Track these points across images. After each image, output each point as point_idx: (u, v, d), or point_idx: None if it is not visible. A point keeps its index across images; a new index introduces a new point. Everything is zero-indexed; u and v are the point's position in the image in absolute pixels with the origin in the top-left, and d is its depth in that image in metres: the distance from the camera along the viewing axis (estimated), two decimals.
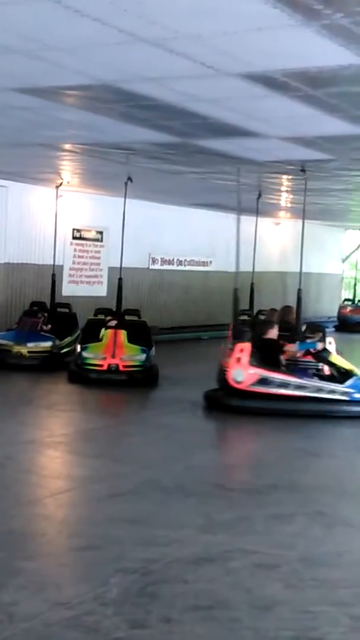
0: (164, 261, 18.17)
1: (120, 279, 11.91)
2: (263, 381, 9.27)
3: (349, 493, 6.37)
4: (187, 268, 18.94)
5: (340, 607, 4.04)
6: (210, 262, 19.58)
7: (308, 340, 10.22)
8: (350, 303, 23.40)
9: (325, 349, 9.98)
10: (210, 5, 3.93)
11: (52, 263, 14.20)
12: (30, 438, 7.65)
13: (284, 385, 9.32)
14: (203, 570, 4.46)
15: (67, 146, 9.48)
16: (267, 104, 6.36)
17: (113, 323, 11.56)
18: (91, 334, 11.47)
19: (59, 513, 5.58)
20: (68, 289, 15.56)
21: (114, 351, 10.93)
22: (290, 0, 3.75)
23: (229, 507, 5.71)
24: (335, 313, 22.56)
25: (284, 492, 6.23)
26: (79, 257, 15.87)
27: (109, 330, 11.32)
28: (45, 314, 12.76)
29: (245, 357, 9.29)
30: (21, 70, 5.59)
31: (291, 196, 15.00)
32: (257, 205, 14.06)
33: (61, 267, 15.37)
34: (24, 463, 6.82)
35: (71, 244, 15.65)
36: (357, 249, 25.52)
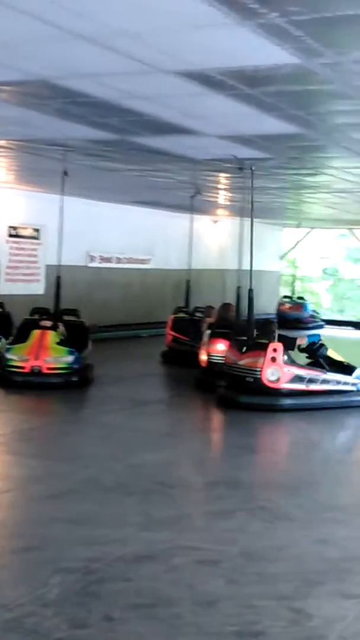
0: (102, 259, 18.08)
1: (58, 278, 11.74)
2: (297, 379, 9.65)
3: (291, 487, 6.45)
4: (126, 266, 18.89)
5: (281, 600, 4.08)
6: (149, 259, 19.58)
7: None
8: (288, 300, 23.69)
9: (322, 344, 10.42)
10: (147, 2, 3.92)
11: None
12: None
13: (314, 380, 9.78)
14: (145, 568, 4.45)
15: (2, 142, 9.35)
16: (204, 102, 6.38)
17: (47, 323, 11.13)
18: (25, 335, 11.02)
19: None
20: (5, 287, 15.35)
21: (38, 352, 10.45)
22: None
23: (169, 505, 5.72)
24: (273, 310, 22.82)
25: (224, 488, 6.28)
26: (16, 254, 15.67)
27: (36, 331, 10.88)
28: None
29: (280, 356, 9.53)
30: None
31: (229, 194, 15.10)
32: (191, 203, 14.12)
33: None
34: None
35: (7, 241, 15.44)
36: (294, 246, 25.86)
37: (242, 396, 9.51)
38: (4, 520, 5.40)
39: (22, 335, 11.04)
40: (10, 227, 15.50)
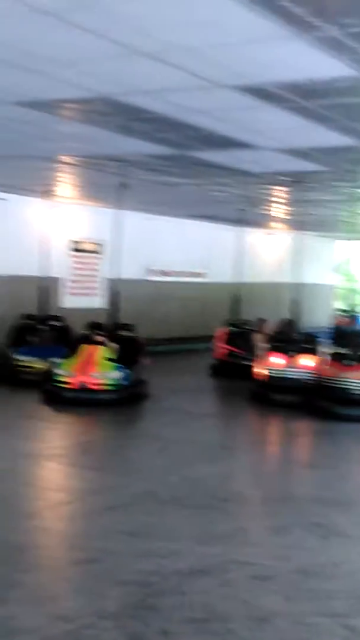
0: (161, 273, 18.19)
1: (114, 293, 11.67)
2: None
3: (348, 504, 6.36)
4: (184, 279, 18.96)
5: (336, 618, 4.03)
6: (207, 273, 19.62)
7: None
8: (343, 313, 23.37)
9: None
10: (204, 17, 3.96)
11: (51, 275, 14.22)
12: (28, 451, 7.63)
13: None
14: (199, 582, 4.45)
15: (65, 158, 9.52)
16: (260, 116, 6.39)
17: (99, 338, 10.93)
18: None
19: (58, 525, 5.57)
20: (66, 301, 15.57)
21: (85, 368, 10.29)
22: (284, 12, 3.78)
23: (225, 519, 5.70)
24: (327, 324, 22.57)
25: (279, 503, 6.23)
26: (77, 268, 15.90)
27: (85, 346, 10.73)
28: (43, 327, 12.61)
29: None
30: (20, 84, 5.62)
31: (283, 207, 15.04)
32: (241, 216, 14.10)
33: (60, 279, 15.39)
34: (23, 475, 6.81)
35: (70, 256, 15.68)
36: (348, 259, 25.58)
37: (342, 408, 9.71)
38: (64, 532, 5.47)
39: (76, 350, 10.90)
40: (73, 241, 15.73)
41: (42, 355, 11.24)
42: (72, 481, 6.86)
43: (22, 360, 11.57)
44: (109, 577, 4.45)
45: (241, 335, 13.73)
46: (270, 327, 13.04)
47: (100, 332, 11.25)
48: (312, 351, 11.05)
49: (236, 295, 14.60)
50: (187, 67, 4.95)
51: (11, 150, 8.90)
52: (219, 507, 6.00)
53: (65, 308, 15.18)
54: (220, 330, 14.11)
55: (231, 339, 13.77)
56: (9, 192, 13.68)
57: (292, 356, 10.79)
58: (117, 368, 10.40)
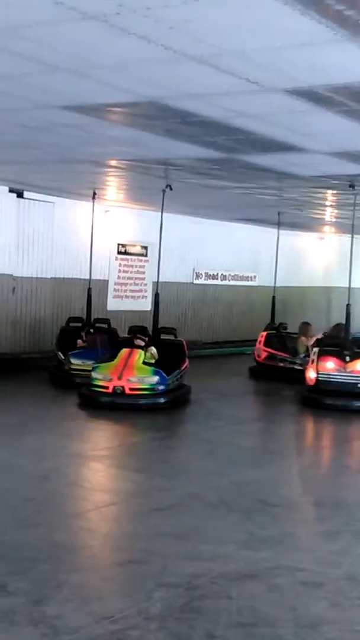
0: (208, 276, 18.19)
1: (156, 295, 11.63)
2: None
3: None
4: (231, 283, 18.94)
5: None
6: (254, 277, 19.56)
7: None
8: None
9: None
10: (254, 21, 3.95)
11: (99, 278, 14.34)
12: (74, 451, 7.70)
13: None
14: (247, 586, 4.43)
15: (113, 162, 9.58)
16: (311, 119, 6.35)
17: (139, 342, 10.75)
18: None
19: (104, 526, 5.60)
20: (113, 304, 15.68)
21: (122, 372, 10.04)
22: (336, 15, 3.75)
23: (273, 523, 5.67)
24: None
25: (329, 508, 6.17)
26: (124, 271, 15.99)
27: (124, 350, 10.54)
28: (91, 330, 12.66)
29: None
30: (68, 89, 5.68)
31: (336, 211, 14.91)
32: (278, 219, 14.05)
33: (106, 282, 15.51)
34: (69, 476, 6.87)
35: (116, 258, 15.79)
36: None
37: None
38: (110, 533, 5.50)
39: (116, 354, 10.74)
40: (120, 244, 15.83)
41: (95, 358, 11.18)
42: (117, 483, 6.90)
43: (76, 364, 11.57)
44: (155, 578, 4.46)
45: (281, 338, 13.82)
46: (313, 331, 13.04)
47: (141, 336, 11.05)
48: None
49: (273, 298, 14.52)
50: (238, 72, 4.94)
51: (59, 154, 8.99)
52: (267, 512, 5.97)
53: (112, 311, 15.31)
54: (263, 334, 14.06)
55: (276, 342, 13.76)
56: (56, 196, 13.83)
57: (347, 361, 10.72)
58: (156, 372, 10.19)
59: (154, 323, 11.53)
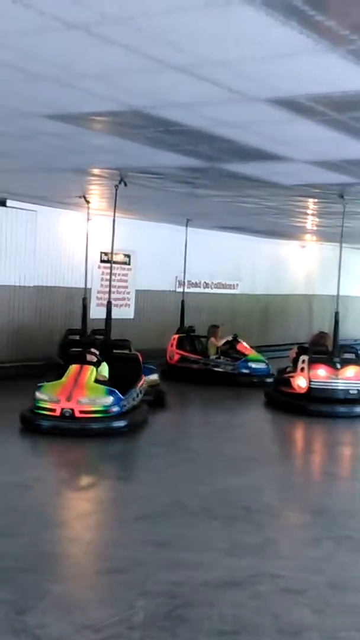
0: (190, 284, 18.21)
1: (109, 304, 10.90)
2: None
3: None
4: (214, 291, 18.98)
5: None
6: (237, 284, 19.62)
7: None
8: None
9: None
10: (236, 31, 3.98)
11: (81, 286, 14.28)
12: (56, 460, 7.67)
13: None
14: (229, 594, 4.44)
15: (96, 171, 9.59)
16: (293, 129, 6.40)
17: (92, 358, 9.54)
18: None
19: (86, 535, 5.59)
20: (96, 312, 15.65)
21: (71, 392, 8.81)
22: (317, 26, 3.79)
23: (254, 531, 5.68)
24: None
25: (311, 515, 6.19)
26: (107, 280, 15.95)
27: (73, 366, 9.28)
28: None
29: None
30: (51, 97, 5.69)
31: (317, 219, 15.00)
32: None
33: (89, 290, 15.48)
34: (51, 485, 6.84)
35: (99, 267, 15.77)
36: None
37: None
38: (92, 541, 5.49)
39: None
40: (102, 252, 15.82)
41: None
42: (100, 491, 6.88)
43: None
44: (137, 587, 4.45)
45: (191, 341, 14.17)
46: (221, 332, 13.74)
47: (94, 350, 9.80)
48: (354, 362, 11.18)
49: (182, 303, 14.57)
50: (219, 81, 4.97)
51: (41, 162, 8.99)
52: (249, 519, 5.97)
53: (94, 318, 15.28)
54: (173, 336, 14.22)
55: (183, 344, 13.99)
56: (39, 204, 13.81)
57: (338, 368, 10.85)
58: (108, 392, 9.02)
59: (106, 335, 10.62)
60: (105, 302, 15.74)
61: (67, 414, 8.67)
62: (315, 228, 16.89)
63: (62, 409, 8.69)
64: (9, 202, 13.51)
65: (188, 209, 13.64)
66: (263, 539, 5.49)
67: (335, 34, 3.89)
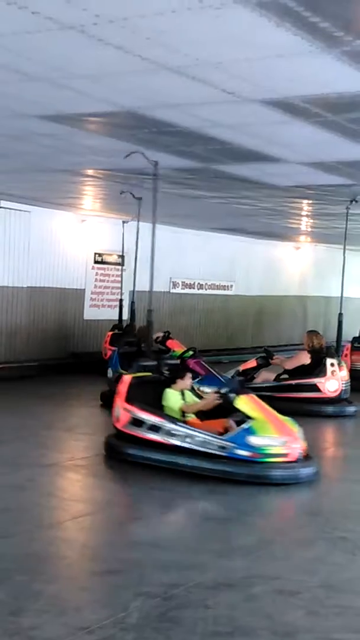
0: (185, 285, 18.23)
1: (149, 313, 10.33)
2: None
3: None
4: (208, 292, 19.00)
5: None
6: (231, 286, 19.64)
7: None
8: None
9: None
10: (230, 32, 3.99)
11: (75, 287, 14.31)
12: (51, 461, 7.66)
13: None
14: (223, 595, 4.43)
15: (90, 172, 9.59)
16: (287, 130, 6.41)
17: (189, 380, 7.93)
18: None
19: (80, 536, 5.58)
20: (89, 313, 15.67)
21: (285, 429, 7.26)
22: (312, 27, 3.80)
23: (249, 532, 5.68)
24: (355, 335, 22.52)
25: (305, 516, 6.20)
26: (101, 280, 15.98)
27: (248, 396, 7.53)
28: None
29: None
30: (45, 98, 5.68)
31: (311, 221, 15.03)
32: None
33: (83, 291, 15.49)
34: (45, 486, 6.83)
35: (93, 268, 15.77)
36: None
37: None
38: (86, 542, 5.47)
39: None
40: (96, 253, 15.83)
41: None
42: (94, 492, 6.87)
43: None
44: (131, 588, 4.44)
45: (121, 337, 13.70)
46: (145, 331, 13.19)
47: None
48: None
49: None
50: (214, 82, 4.98)
51: (35, 163, 8.98)
52: (243, 521, 5.97)
53: (88, 319, 15.34)
54: (108, 333, 14.13)
55: (114, 340, 13.69)
56: (33, 205, 13.80)
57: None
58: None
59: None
60: (99, 303, 15.95)
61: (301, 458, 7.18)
62: (309, 229, 16.93)
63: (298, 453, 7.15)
64: (2, 203, 13.50)
65: (183, 210, 13.64)
66: (257, 540, 5.49)
67: (329, 35, 3.89)
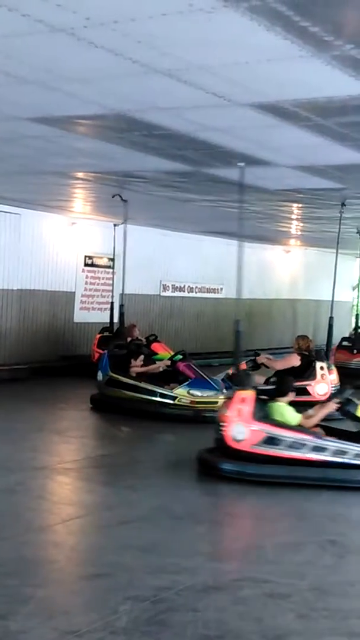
0: (175, 288, 18.23)
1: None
2: None
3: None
4: (198, 295, 19.02)
5: (352, 637, 4.01)
6: (221, 289, 19.66)
7: None
8: None
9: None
10: (221, 36, 3.99)
11: (65, 290, 14.27)
12: (41, 464, 7.64)
13: None
14: (213, 598, 4.43)
15: (80, 174, 9.58)
16: (277, 134, 6.42)
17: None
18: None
19: (70, 540, 5.56)
20: (79, 316, 15.65)
21: None
22: (302, 31, 3.81)
23: (238, 535, 5.68)
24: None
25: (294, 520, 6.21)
26: (91, 283, 15.97)
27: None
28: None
29: None
30: (35, 101, 5.68)
31: (301, 224, 15.06)
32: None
33: (73, 293, 15.47)
34: (35, 489, 6.81)
35: (83, 270, 15.76)
36: None
37: None
38: (75, 546, 5.46)
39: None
40: (87, 256, 15.82)
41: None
42: (84, 495, 6.85)
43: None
44: (121, 592, 4.44)
45: (109, 340, 13.60)
46: (136, 332, 13.19)
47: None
48: None
49: (111, 304, 14.39)
50: (204, 85, 4.98)
51: (25, 166, 8.97)
52: (232, 524, 5.97)
53: (78, 322, 15.32)
54: (96, 336, 14.18)
55: (103, 342, 13.71)
56: (23, 207, 13.78)
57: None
58: None
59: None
60: (89, 306, 15.93)
61: None
62: (300, 233, 16.97)
63: None
64: None
65: (173, 213, 13.66)
66: (246, 543, 5.50)
67: (320, 39, 3.91)
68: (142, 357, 11.00)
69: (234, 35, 3.96)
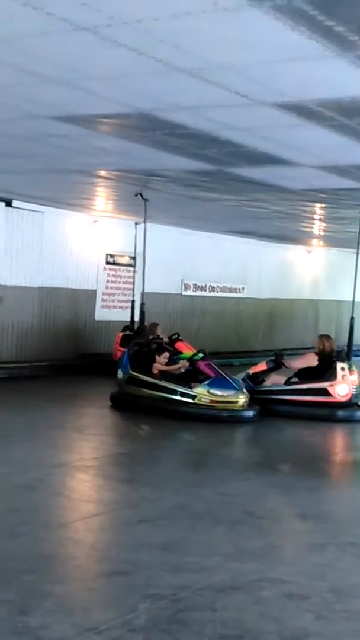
0: (196, 287, 18.23)
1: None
2: None
3: None
4: (220, 294, 19.00)
5: None
6: (243, 288, 19.63)
7: None
8: None
9: None
10: (245, 35, 3.99)
11: (86, 288, 14.29)
12: (61, 461, 7.67)
13: None
14: (232, 598, 4.42)
15: (102, 173, 9.61)
16: (301, 133, 6.40)
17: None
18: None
19: (89, 537, 5.58)
20: (100, 314, 15.69)
21: None
22: (327, 31, 3.79)
23: (258, 535, 5.66)
24: None
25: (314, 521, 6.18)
26: (112, 282, 16.01)
27: None
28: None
29: None
30: (59, 99, 5.70)
31: (324, 224, 14.99)
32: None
33: (94, 291, 15.52)
34: (55, 486, 6.84)
35: (104, 269, 15.80)
36: None
37: None
38: (94, 544, 5.47)
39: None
40: (108, 254, 15.86)
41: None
42: (104, 493, 6.87)
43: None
44: (140, 590, 4.44)
45: (131, 338, 13.56)
46: (160, 329, 13.26)
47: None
48: None
49: (132, 302, 14.33)
50: (228, 85, 4.98)
51: (48, 164, 9.01)
52: (252, 524, 5.96)
53: (99, 320, 15.38)
54: (118, 334, 14.13)
55: (125, 341, 13.62)
56: (46, 205, 13.85)
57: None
58: None
59: None
60: (110, 304, 15.96)
61: None
62: (322, 233, 16.89)
63: None
64: (15, 203, 13.56)
65: (195, 212, 13.65)
66: (266, 543, 5.47)
67: (344, 39, 3.89)
68: (166, 353, 11.07)
69: (258, 35, 3.95)
